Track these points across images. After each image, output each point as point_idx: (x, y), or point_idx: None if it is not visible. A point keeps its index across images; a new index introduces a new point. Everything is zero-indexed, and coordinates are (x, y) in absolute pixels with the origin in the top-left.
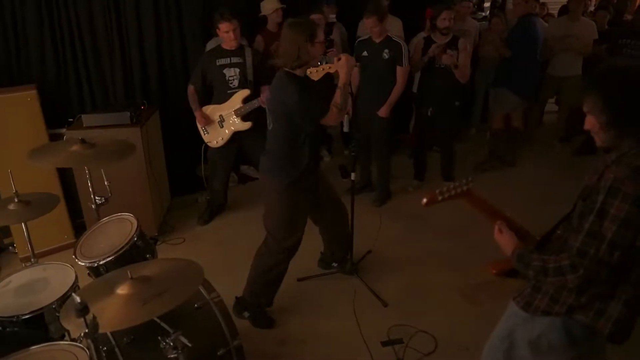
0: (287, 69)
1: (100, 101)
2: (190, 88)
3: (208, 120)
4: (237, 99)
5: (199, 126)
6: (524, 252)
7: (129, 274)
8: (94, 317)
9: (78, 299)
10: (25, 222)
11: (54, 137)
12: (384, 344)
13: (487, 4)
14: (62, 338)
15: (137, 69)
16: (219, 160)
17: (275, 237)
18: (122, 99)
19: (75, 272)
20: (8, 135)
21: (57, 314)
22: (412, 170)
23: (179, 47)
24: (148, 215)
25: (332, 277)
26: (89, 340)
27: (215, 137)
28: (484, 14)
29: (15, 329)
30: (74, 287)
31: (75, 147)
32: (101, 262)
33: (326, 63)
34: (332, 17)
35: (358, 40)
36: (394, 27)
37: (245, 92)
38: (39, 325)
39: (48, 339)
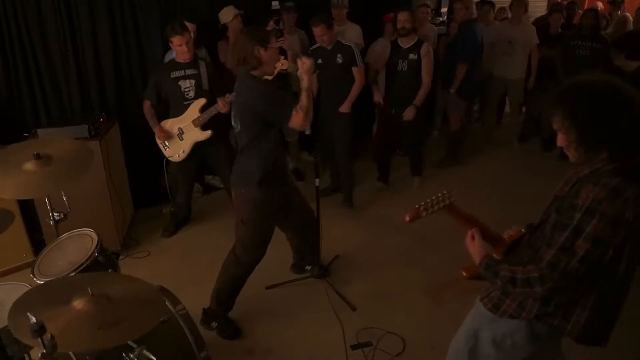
0: (248, 72)
1: (57, 115)
2: (146, 104)
3: (168, 135)
4: (194, 109)
5: (158, 142)
6: (492, 262)
7: (89, 290)
8: (52, 337)
9: (34, 319)
10: None
11: None
12: (354, 347)
13: (444, 9)
14: None
15: (94, 80)
16: (181, 174)
17: (247, 247)
18: (79, 112)
19: None
20: None
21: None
22: (377, 173)
23: (137, 57)
24: (110, 229)
25: (300, 283)
26: None
27: (176, 151)
28: (441, 19)
29: None
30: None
31: (30, 166)
32: None
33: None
34: (275, 3)
35: (311, 49)
36: (354, 32)
37: (201, 102)
38: None
39: None
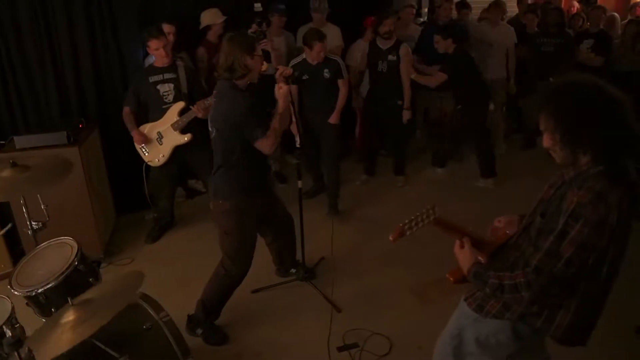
0: (230, 80)
1: (34, 121)
2: (126, 109)
3: (146, 139)
4: (173, 113)
5: (137, 147)
6: (481, 271)
7: (70, 301)
8: (30, 350)
9: (9, 333)
10: None
11: None
12: (340, 349)
13: (424, 10)
14: None
15: (73, 86)
16: (162, 178)
17: (233, 258)
18: (57, 118)
19: (12, 303)
20: None
21: None
22: (362, 173)
23: (117, 61)
24: (92, 237)
25: (286, 286)
26: None
27: (156, 155)
28: (422, 19)
29: None
30: (10, 320)
31: (6, 173)
32: (39, 290)
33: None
34: (258, 5)
35: (294, 63)
36: (334, 34)
37: (180, 105)
38: None
39: None
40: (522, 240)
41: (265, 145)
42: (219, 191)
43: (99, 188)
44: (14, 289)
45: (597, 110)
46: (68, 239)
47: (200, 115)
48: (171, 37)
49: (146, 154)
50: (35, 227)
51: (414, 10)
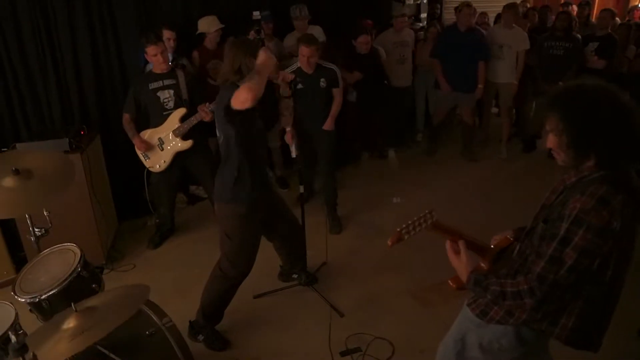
0: (233, 82)
1: (37, 128)
2: (125, 117)
3: (147, 145)
4: (174, 119)
5: (138, 153)
6: (481, 277)
7: (73, 307)
8: (35, 356)
9: (14, 338)
10: None
11: None
12: (342, 354)
13: (423, 15)
14: None
15: (75, 93)
16: (163, 184)
17: (233, 261)
18: (60, 124)
19: (16, 309)
20: None
21: None
22: (359, 179)
23: (118, 68)
24: (94, 243)
25: (288, 291)
26: None
27: (157, 161)
28: (421, 24)
29: None
30: (14, 326)
31: (8, 182)
32: (43, 297)
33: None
34: (256, 13)
35: (289, 72)
36: (316, 33)
37: (181, 111)
38: None
39: None
40: (525, 247)
41: (238, 96)
42: (222, 194)
43: (101, 194)
44: (17, 296)
45: (607, 116)
46: (71, 245)
47: (207, 119)
48: (171, 43)
49: (147, 160)
50: (38, 233)
51: (406, 18)
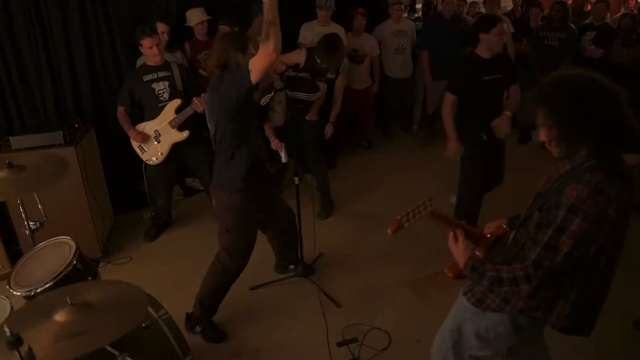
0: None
1: (30, 121)
2: (120, 109)
3: (143, 137)
4: (169, 111)
5: (134, 145)
6: (477, 264)
7: (68, 300)
8: (30, 349)
9: (8, 332)
10: None
11: None
12: (339, 344)
13: (418, 6)
14: None
15: (68, 85)
16: (159, 177)
17: (232, 254)
18: (54, 117)
19: (11, 303)
20: None
21: None
22: (355, 170)
23: (112, 60)
24: (90, 236)
25: (284, 282)
26: None
27: (154, 154)
28: (416, 14)
29: None
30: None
31: (2, 174)
32: (38, 290)
33: None
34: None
35: (287, 76)
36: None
37: (176, 102)
38: None
39: None
40: (520, 235)
41: (266, 48)
42: (220, 186)
43: (96, 187)
44: (12, 289)
45: (592, 103)
46: (66, 239)
47: (200, 110)
48: (165, 37)
49: (144, 153)
50: (32, 227)
51: (403, 7)
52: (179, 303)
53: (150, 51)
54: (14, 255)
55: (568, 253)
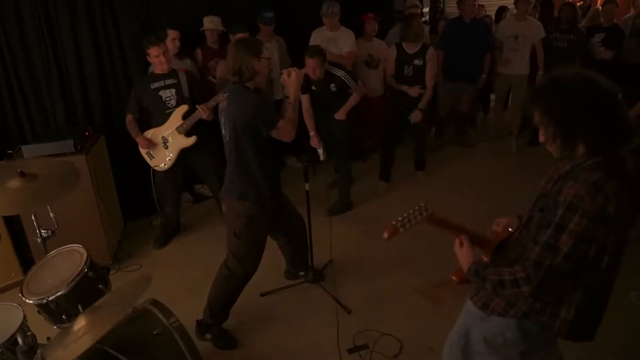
0: (240, 83)
1: (41, 130)
2: (129, 117)
3: (151, 144)
4: (176, 117)
5: (142, 152)
6: (480, 268)
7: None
8: (42, 358)
9: (21, 340)
10: None
11: None
12: (350, 351)
13: (425, 9)
14: None
15: (78, 93)
16: (167, 183)
17: (240, 259)
18: (64, 126)
19: (24, 311)
20: None
21: (4, 358)
22: (365, 175)
23: (121, 68)
24: (101, 243)
25: (295, 289)
26: None
27: (162, 160)
28: (424, 18)
29: None
30: (22, 328)
31: (15, 183)
32: (50, 298)
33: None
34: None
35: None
36: (348, 38)
37: (183, 108)
38: None
39: None
40: (522, 237)
41: (284, 131)
42: (232, 193)
43: (106, 195)
44: (25, 298)
45: (586, 102)
46: (77, 247)
47: (204, 117)
48: (177, 43)
49: (152, 159)
50: (44, 235)
51: (419, 10)
52: (190, 310)
53: (157, 59)
54: (26, 263)
55: (568, 252)
